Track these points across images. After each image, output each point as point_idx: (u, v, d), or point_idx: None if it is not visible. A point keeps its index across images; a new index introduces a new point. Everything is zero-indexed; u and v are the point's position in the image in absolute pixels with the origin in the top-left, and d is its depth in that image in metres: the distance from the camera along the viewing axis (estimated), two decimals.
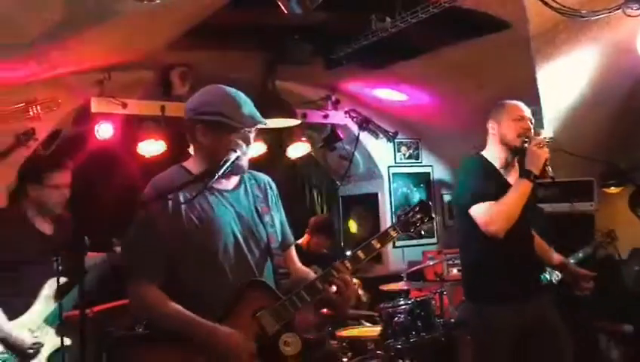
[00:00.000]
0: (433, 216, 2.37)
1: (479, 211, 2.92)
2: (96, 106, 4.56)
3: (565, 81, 4.49)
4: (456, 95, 5.26)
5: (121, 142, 4.83)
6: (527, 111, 3.16)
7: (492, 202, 2.90)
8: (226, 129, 2.19)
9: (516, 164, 3.15)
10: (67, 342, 3.10)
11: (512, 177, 3.11)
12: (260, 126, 2.26)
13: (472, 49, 4.31)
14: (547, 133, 4.88)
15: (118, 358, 2.12)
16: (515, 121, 3.08)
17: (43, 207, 3.24)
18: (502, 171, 3.12)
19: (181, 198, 2.13)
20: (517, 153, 3.10)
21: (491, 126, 3.16)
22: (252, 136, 2.25)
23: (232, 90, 2.28)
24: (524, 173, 2.96)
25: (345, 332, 4.35)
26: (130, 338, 2.20)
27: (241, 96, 2.26)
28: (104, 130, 4.60)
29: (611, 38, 4.06)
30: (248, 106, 2.23)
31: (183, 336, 2.06)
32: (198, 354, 2.06)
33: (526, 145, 3.02)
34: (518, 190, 2.93)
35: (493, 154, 3.14)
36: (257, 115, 2.24)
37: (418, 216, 2.33)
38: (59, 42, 3.51)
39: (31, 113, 4.28)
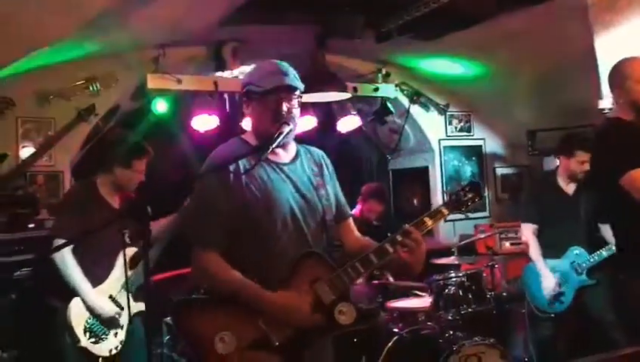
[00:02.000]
0: (484, 195, 2.38)
1: (632, 179, 2.69)
2: (152, 82, 4.69)
3: (625, 49, 4.32)
4: (510, 66, 5.16)
5: (175, 117, 4.96)
6: None
7: None
8: (254, 97, 2.24)
9: None
10: (142, 307, 3.43)
11: None
12: (296, 92, 2.23)
13: (528, 18, 4.20)
14: (606, 103, 4.73)
15: (181, 321, 2.21)
16: None
17: (123, 186, 3.52)
18: None
19: (241, 169, 2.20)
20: None
21: (617, 94, 2.92)
22: (287, 104, 2.22)
23: (272, 61, 2.30)
24: None
25: (396, 304, 4.39)
26: (192, 302, 2.28)
27: (276, 64, 2.27)
28: (160, 106, 4.73)
29: None
30: (281, 72, 2.23)
31: (241, 302, 2.13)
32: (257, 317, 2.13)
33: None
34: None
35: (628, 118, 2.89)
36: (286, 78, 2.21)
37: (469, 195, 2.34)
38: (117, 20, 3.62)
39: (91, 89, 4.46)
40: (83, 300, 3.28)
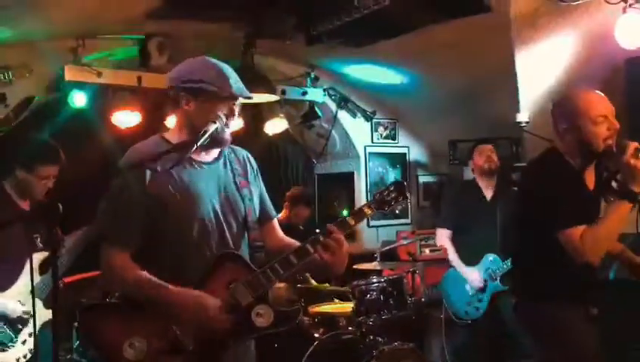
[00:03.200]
0: (407, 195, 2.39)
1: (571, 239, 2.44)
2: (69, 74, 4.46)
3: (543, 65, 4.53)
4: (435, 76, 5.28)
5: (95, 112, 4.74)
6: (608, 106, 2.54)
7: (585, 228, 2.43)
8: (210, 98, 2.17)
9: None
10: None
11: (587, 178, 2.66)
12: (245, 99, 2.25)
13: (453, 30, 4.30)
14: (523, 117, 4.93)
15: (88, 325, 2.09)
16: (598, 124, 2.49)
17: (25, 191, 3.28)
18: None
19: (159, 168, 2.12)
20: (600, 158, 2.59)
21: (564, 130, 2.58)
22: (237, 109, 2.23)
23: (219, 62, 2.26)
24: (628, 195, 2.40)
25: (317, 308, 4.38)
26: (100, 306, 2.17)
27: (228, 68, 2.24)
28: (78, 99, 4.51)
29: (590, 24, 4.09)
30: (234, 77, 2.22)
31: (151, 303, 2.06)
32: (168, 321, 2.06)
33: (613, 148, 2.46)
34: (617, 214, 2.43)
35: (570, 157, 2.61)
36: (243, 87, 2.23)
37: (393, 195, 2.35)
38: (33, 6, 3.42)
39: (2, 78, 4.18)
40: None
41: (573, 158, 2.61)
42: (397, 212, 2.41)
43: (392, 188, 2.36)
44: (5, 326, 3.11)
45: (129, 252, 2.10)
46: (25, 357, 3.15)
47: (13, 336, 3.13)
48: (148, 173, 2.11)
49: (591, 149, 2.53)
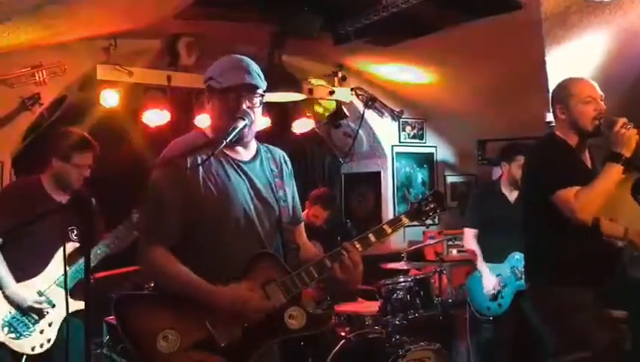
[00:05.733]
0: (445, 207, 2.39)
1: (566, 198, 2.73)
2: (101, 73, 4.53)
3: (575, 64, 4.45)
4: (464, 76, 5.23)
5: (125, 111, 4.81)
6: (597, 90, 2.92)
7: (578, 188, 2.73)
8: (215, 92, 2.19)
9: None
10: (81, 305, 3.21)
11: (586, 160, 2.99)
12: (258, 91, 2.19)
13: (483, 29, 4.26)
14: (553, 117, 4.86)
15: (124, 316, 2.11)
16: (586, 103, 2.86)
17: (62, 181, 3.34)
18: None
19: (199, 162, 2.13)
20: (591, 137, 2.92)
21: (559, 110, 2.94)
22: (247, 103, 2.17)
23: (234, 56, 2.25)
24: (614, 157, 2.75)
25: (343, 307, 4.38)
26: (137, 297, 2.20)
27: (240, 60, 2.21)
28: (109, 98, 4.58)
29: (623, 22, 4.02)
30: (239, 69, 2.17)
31: (186, 298, 2.07)
32: (204, 317, 2.07)
33: (601, 127, 2.81)
34: (609, 175, 2.74)
35: (566, 137, 2.95)
36: (247, 76, 2.15)
37: (431, 205, 2.36)
38: (65, 6, 3.48)
39: (37, 78, 4.27)
40: (2, 292, 3.12)
41: (569, 138, 2.94)
42: (434, 221, 2.42)
43: (430, 199, 2.36)
44: (19, 315, 3.16)
45: (167, 245, 2.11)
46: (41, 346, 3.19)
47: (29, 325, 3.18)
48: (188, 166, 2.11)
49: (580, 126, 2.89)
